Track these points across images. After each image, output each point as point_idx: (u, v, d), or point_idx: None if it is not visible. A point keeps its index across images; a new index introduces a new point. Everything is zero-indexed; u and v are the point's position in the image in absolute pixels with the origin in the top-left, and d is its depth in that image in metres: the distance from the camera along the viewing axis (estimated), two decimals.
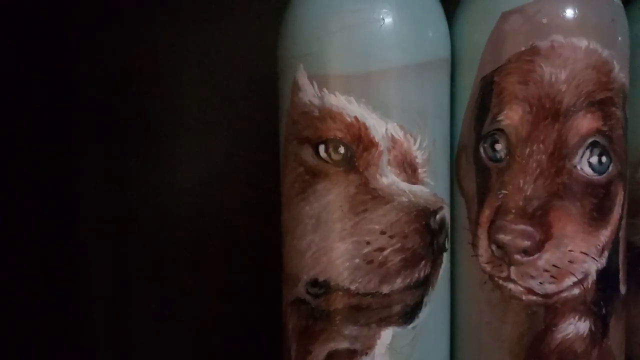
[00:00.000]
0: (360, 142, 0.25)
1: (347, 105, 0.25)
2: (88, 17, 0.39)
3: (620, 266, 0.27)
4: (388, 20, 0.25)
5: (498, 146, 0.26)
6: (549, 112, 0.25)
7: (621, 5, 0.27)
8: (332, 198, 0.25)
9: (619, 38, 0.26)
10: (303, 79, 0.26)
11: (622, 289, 0.27)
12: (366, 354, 0.26)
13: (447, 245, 0.27)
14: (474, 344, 0.28)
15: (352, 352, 0.26)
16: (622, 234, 0.27)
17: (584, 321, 0.26)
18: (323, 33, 0.25)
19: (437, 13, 0.27)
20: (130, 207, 0.41)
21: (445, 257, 0.27)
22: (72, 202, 0.40)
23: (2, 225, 0.35)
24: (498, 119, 0.26)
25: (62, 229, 0.40)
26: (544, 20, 0.25)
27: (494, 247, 0.26)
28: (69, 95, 0.40)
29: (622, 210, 0.26)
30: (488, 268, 0.26)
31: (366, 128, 0.25)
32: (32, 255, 0.37)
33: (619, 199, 0.26)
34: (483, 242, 0.26)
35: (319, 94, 0.25)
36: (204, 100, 0.40)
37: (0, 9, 0.33)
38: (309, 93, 0.26)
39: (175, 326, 0.41)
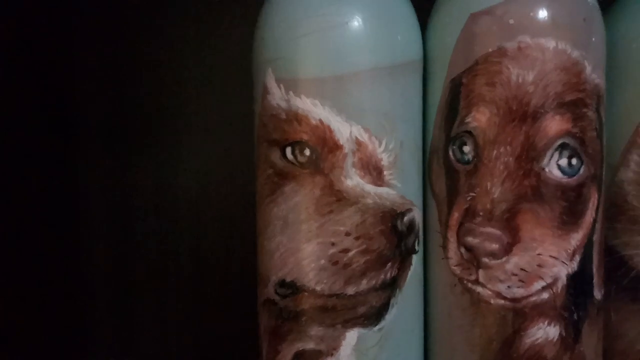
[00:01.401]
0: (325, 144, 0.25)
1: (313, 108, 0.25)
2: (90, 20, 0.40)
3: (595, 271, 0.26)
4: (353, 24, 0.25)
5: (466, 148, 0.26)
6: (516, 114, 0.25)
7: (596, 4, 0.26)
8: (298, 199, 0.26)
9: (593, 38, 0.26)
10: (271, 83, 0.26)
11: (598, 294, 0.26)
12: (332, 354, 0.26)
13: (418, 248, 0.27)
14: (447, 347, 0.27)
15: (318, 353, 0.26)
16: (596, 237, 0.26)
17: (554, 326, 0.25)
18: (289, 38, 0.25)
19: (407, 15, 0.27)
20: (131, 207, 0.42)
21: (415, 259, 0.27)
22: (74, 202, 0.42)
23: (4, 226, 0.36)
24: (466, 121, 0.26)
25: (64, 229, 0.41)
26: (511, 21, 0.25)
27: (462, 250, 0.26)
28: (71, 97, 0.41)
29: (596, 213, 0.26)
30: (457, 271, 0.26)
31: (331, 131, 0.25)
32: (34, 255, 0.39)
33: (592, 202, 0.26)
34: (452, 245, 0.26)
35: (286, 97, 0.26)
36: (204, 101, 0.41)
37: (3, 9, 0.35)
38: (277, 96, 0.26)
39: (177, 325, 0.42)
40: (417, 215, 0.27)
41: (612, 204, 0.28)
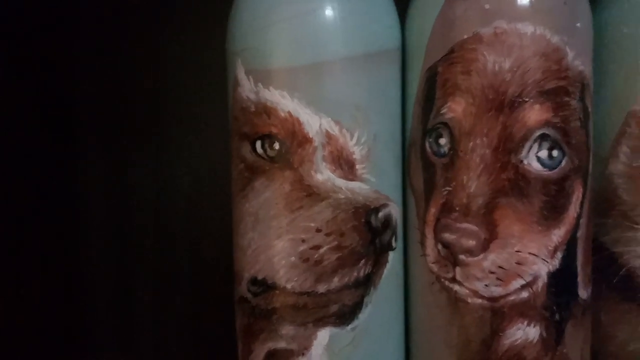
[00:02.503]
0: (294, 137, 0.24)
1: (281, 100, 0.24)
2: (88, 19, 0.40)
3: (580, 269, 0.25)
4: (322, 11, 0.24)
5: (442, 140, 0.25)
6: (493, 104, 0.23)
7: None
8: (268, 195, 0.25)
9: (577, 24, 0.24)
10: (241, 74, 0.25)
11: (583, 293, 0.25)
12: (303, 354, 0.25)
13: (395, 244, 0.26)
14: (426, 348, 0.26)
15: (290, 352, 0.25)
16: (581, 234, 0.25)
17: (534, 327, 0.24)
18: (257, 27, 0.25)
19: (383, 2, 0.26)
20: (129, 206, 0.42)
21: (393, 256, 0.26)
22: (73, 201, 0.42)
23: (2, 226, 0.36)
24: (442, 112, 0.24)
25: (63, 228, 0.41)
26: (487, 6, 0.23)
27: (439, 247, 0.25)
28: (69, 96, 0.41)
29: (581, 208, 0.24)
30: (435, 268, 0.25)
31: (300, 123, 0.24)
32: (33, 254, 0.39)
33: (576, 196, 0.24)
34: (430, 241, 0.25)
35: (255, 89, 0.25)
36: (203, 99, 0.41)
37: (2, 8, 0.35)
38: (247, 88, 0.25)
39: (176, 323, 0.42)
40: (394, 210, 0.26)
41: (603, 198, 0.26)
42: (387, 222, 0.26)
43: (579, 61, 0.24)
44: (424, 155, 0.25)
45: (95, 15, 0.40)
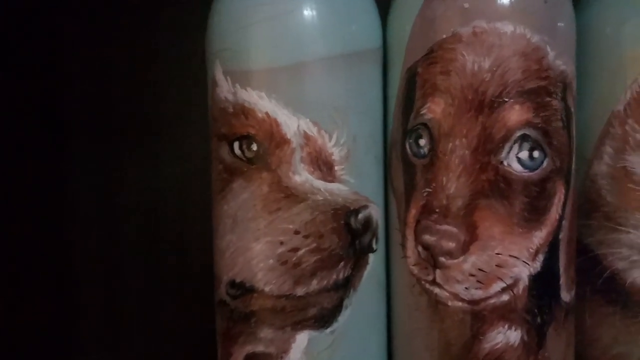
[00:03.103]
0: (272, 138, 0.24)
1: (259, 101, 0.24)
2: (78, 20, 0.40)
3: (562, 271, 0.24)
4: (300, 12, 0.24)
5: (422, 141, 0.24)
6: (472, 104, 0.23)
7: None
8: (246, 197, 0.25)
9: (559, 23, 0.24)
10: (219, 75, 0.25)
11: (566, 296, 0.25)
12: (281, 357, 0.25)
13: (376, 246, 0.26)
14: (407, 351, 0.26)
15: (268, 356, 0.25)
16: (563, 236, 0.24)
17: (515, 330, 0.24)
18: (235, 27, 0.24)
19: (362, 2, 0.25)
20: (117, 206, 0.42)
21: (374, 258, 0.26)
22: (62, 201, 0.42)
23: None
24: (421, 112, 0.24)
25: (51, 228, 0.41)
26: (466, 5, 0.23)
27: (420, 249, 0.24)
28: (59, 97, 0.41)
29: (563, 210, 0.24)
30: (415, 270, 0.25)
31: (277, 124, 0.24)
32: (20, 255, 0.39)
33: (558, 197, 0.24)
34: (410, 243, 0.25)
35: (233, 90, 0.25)
36: (189, 101, 0.40)
37: None
38: (225, 89, 0.25)
39: (163, 322, 0.42)
40: (374, 212, 0.25)
41: (587, 200, 0.26)
42: (367, 223, 0.25)
43: (560, 61, 0.24)
44: (405, 157, 0.25)
45: (85, 16, 0.40)
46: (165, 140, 0.40)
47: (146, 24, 0.40)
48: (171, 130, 0.40)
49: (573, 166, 0.25)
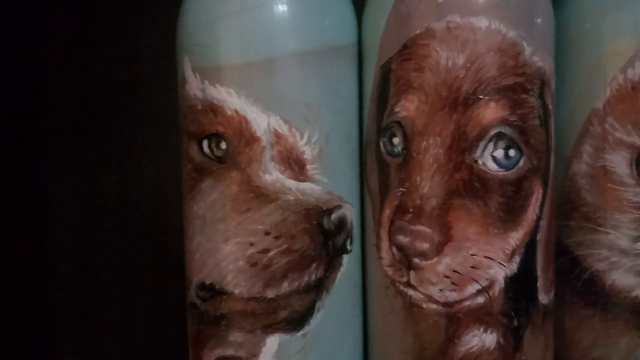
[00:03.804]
0: (241, 137, 0.23)
1: (227, 98, 0.23)
2: (56, 22, 0.40)
3: (540, 273, 0.24)
4: (271, 6, 0.23)
5: (396, 140, 0.24)
6: (446, 101, 0.22)
7: None
8: (216, 197, 0.24)
9: (534, 17, 0.23)
10: (188, 71, 0.24)
11: (544, 298, 0.24)
12: None
13: (350, 247, 0.25)
14: (382, 354, 0.25)
15: None
16: (541, 236, 0.24)
17: (491, 333, 0.23)
18: (204, 22, 0.24)
19: None
20: (96, 209, 0.41)
21: (348, 259, 0.25)
22: (40, 204, 0.41)
23: None
24: (395, 110, 0.23)
25: (30, 231, 0.40)
26: (440, 0, 0.23)
27: (394, 249, 0.24)
28: (37, 99, 0.40)
29: (541, 210, 0.23)
30: (390, 272, 0.24)
31: (247, 122, 0.23)
32: None
33: (536, 197, 0.23)
34: (385, 244, 0.24)
35: (201, 87, 0.24)
36: (169, 102, 0.40)
37: None
38: (194, 86, 0.24)
39: (143, 323, 0.41)
40: (348, 212, 0.25)
41: (566, 200, 0.25)
42: (341, 224, 0.25)
43: (537, 57, 0.23)
44: (379, 155, 0.24)
45: (63, 18, 0.40)
46: (144, 140, 0.40)
47: (127, 24, 0.39)
48: (150, 130, 0.39)
49: (551, 165, 0.24)
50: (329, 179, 0.24)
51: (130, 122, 0.40)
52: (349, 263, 0.25)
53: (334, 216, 0.24)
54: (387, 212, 0.24)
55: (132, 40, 0.39)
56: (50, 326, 0.41)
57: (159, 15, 0.39)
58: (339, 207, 0.24)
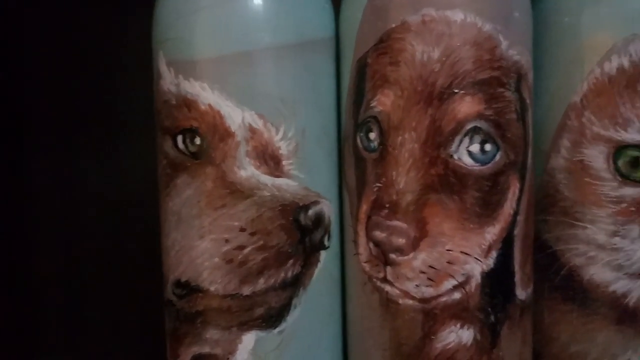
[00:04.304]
0: (215, 132, 0.23)
1: (201, 92, 0.23)
2: (37, 20, 0.39)
3: (518, 268, 0.24)
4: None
5: (372, 135, 0.23)
6: (422, 96, 0.22)
7: None
8: (190, 193, 0.24)
9: (511, 11, 0.23)
10: (162, 66, 0.24)
11: (522, 294, 0.24)
12: (228, 359, 0.24)
13: (328, 243, 0.25)
14: (360, 350, 0.25)
15: (214, 357, 0.24)
16: (518, 231, 0.23)
17: (468, 329, 0.23)
18: (177, 16, 0.23)
19: None
20: (77, 201, 0.41)
21: (326, 255, 0.25)
22: (21, 196, 0.41)
23: None
24: (371, 105, 0.23)
25: (11, 229, 0.40)
26: None
27: (371, 245, 0.23)
28: (18, 96, 0.40)
29: (518, 205, 0.23)
30: (367, 268, 0.24)
31: (221, 117, 0.23)
32: None
33: (512, 192, 0.23)
34: (362, 240, 0.24)
35: (175, 81, 0.24)
36: (146, 95, 0.39)
37: None
38: (168, 80, 0.24)
39: (126, 324, 0.41)
40: (326, 208, 0.25)
41: (545, 194, 0.25)
42: (319, 220, 0.24)
43: (514, 51, 0.23)
44: (356, 151, 0.24)
45: (44, 17, 0.39)
46: (125, 135, 0.39)
47: (108, 18, 0.39)
48: (132, 123, 0.39)
49: (529, 160, 0.24)
50: (305, 174, 0.24)
51: (112, 116, 0.40)
52: (326, 259, 0.25)
53: (310, 212, 0.24)
54: (364, 207, 0.24)
55: (112, 34, 0.38)
56: (31, 321, 0.41)
57: (141, 8, 0.39)
58: (316, 202, 0.24)
